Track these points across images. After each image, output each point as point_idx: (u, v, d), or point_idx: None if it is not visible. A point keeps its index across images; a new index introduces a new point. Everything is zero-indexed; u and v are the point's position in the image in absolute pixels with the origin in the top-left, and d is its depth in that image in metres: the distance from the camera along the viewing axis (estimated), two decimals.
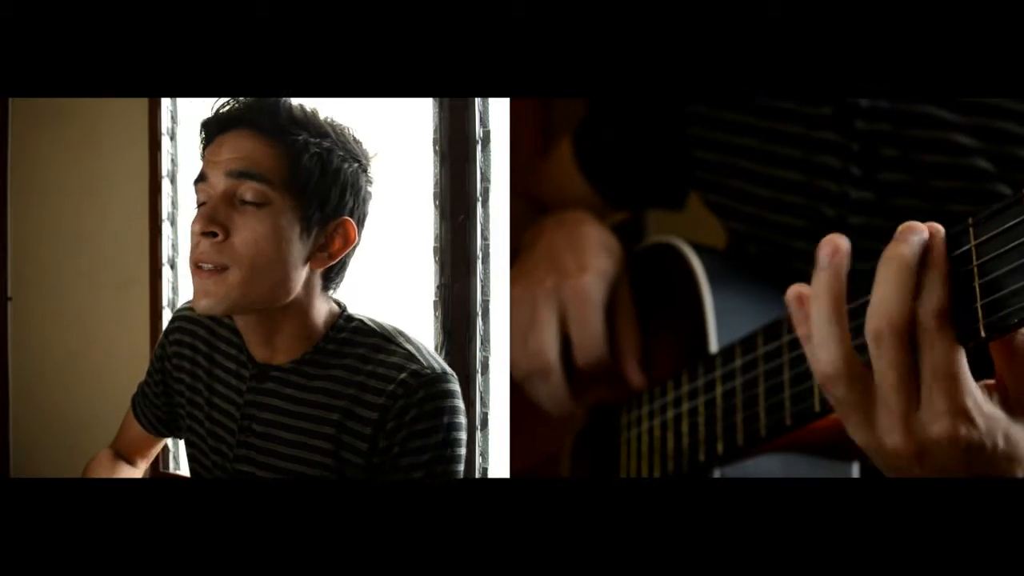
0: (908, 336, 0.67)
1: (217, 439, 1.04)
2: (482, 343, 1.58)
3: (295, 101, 0.97)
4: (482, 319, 1.58)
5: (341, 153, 0.97)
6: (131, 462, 1.23)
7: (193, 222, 0.93)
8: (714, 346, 0.91)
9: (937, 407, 0.66)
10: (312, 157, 0.94)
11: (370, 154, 1.02)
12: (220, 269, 0.92)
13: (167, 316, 2.01)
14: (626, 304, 1.01)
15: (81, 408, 2.18)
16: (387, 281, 1.71)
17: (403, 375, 0.94)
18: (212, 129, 0.96)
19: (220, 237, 0.91)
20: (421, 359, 0.96)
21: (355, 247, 1.00)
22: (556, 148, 1.24)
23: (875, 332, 0.68)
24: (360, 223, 1.01)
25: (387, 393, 0.94)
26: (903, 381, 0.68)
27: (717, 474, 0.89)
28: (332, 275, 1.01)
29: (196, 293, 0.94)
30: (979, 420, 0.67)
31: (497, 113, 1.57)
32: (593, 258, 1.00)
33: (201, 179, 0.95)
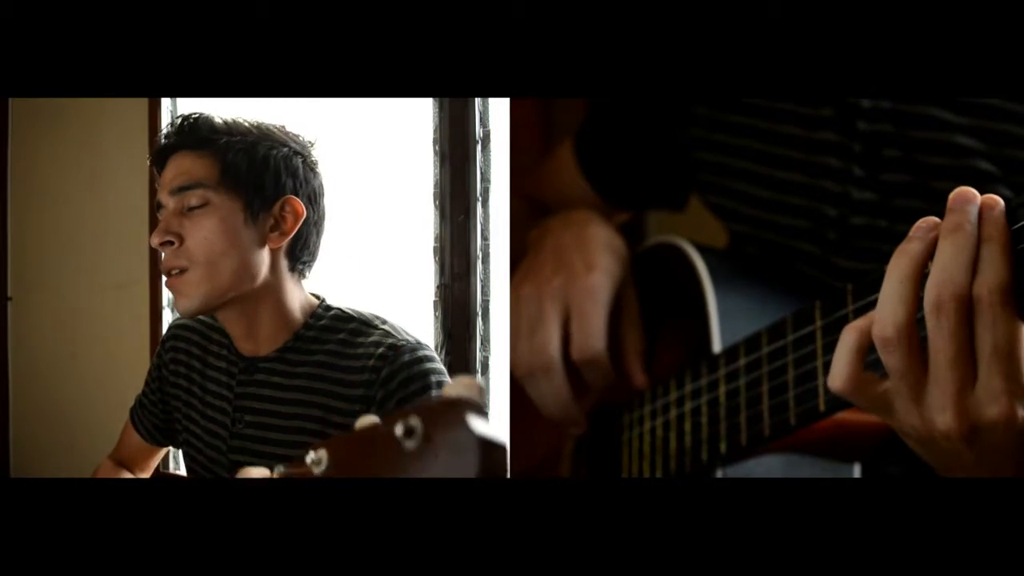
0: (968, 310, 0.65)
1: (212, 435, 1.10)
2: (482, 343, 1.58)
3: (215, 116, 1.07)
4: (482, 319, 1.58)
5: (267, 143, 1.06)
6: (132, 473, 1.27)
7: (151, 239, 1.03)
8: (717, 346, 0.91)
9: (995, 387, 0.64)
10: (237, 153, 1.04)
11: (307, 140, 1.11)
12: (182, 271, 1.02)
13: (167, 316, 2.01)
14: (631, 304, 1.01)
15: (81, 408, 2.18)
16: (387, 281, 1.71)
17: (380, 349, 1.02)
18: (157, 159, 1.08)
19: (176, 244, 1.02)
20: (396, 334, 1.04)
21: (312, 222, 1.08)
22: (557, 149, 1.24)
23: (935, 302, 0.65)
24: (312, 199, 1.08)
25: (369, 368, 1.01)
26: (960, 356, 0.65)
27: (719, 474, 0.89)
28: (297, 253, 1.07)
29: (174, 299, 1.05)
30: None
31: (497, 113, 1.57)
32: (600, 257, 1.00)
33: (158, 207, 1.06)
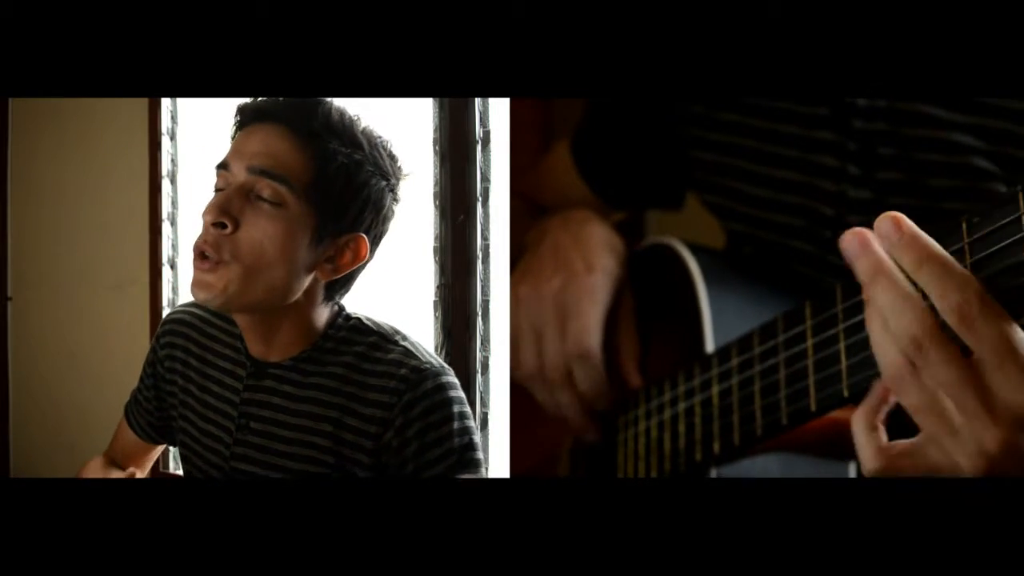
0: (945, 334, 0.63)
1: (212, 438, 1.03)
2: (482, 343, 1.58)
3: (337, 104, 0.95)
4: (482, 319, 1.58)
5: (371, 168, 0.95)
6: (124, 469, 1.21)
7: (205, 210, 0.91)
8: (710, 346, 0.91)
9: (1018, 381, 0.61)
10: (339, 168, 0.93)
11: (403, 173, 1.00)
12: (220, 262, 0.90)
13: None
14: (627, 305, 1.01)
15: (81, 408, 2.18)
16: (387, 281, 1.71)
17: (403, 371, 0.94)
18: (246, 116, 0.95)
19: (229, 229, 0.90)
20: (419, 355, 0.96)
21: (364, 264, 0.99)
22: (554, 149, 1.24)
23: (914, 345, 0.64)
24: (375, 241, 0.99)
25: (388, 390, 0.93)
26: (964, 374, 0.63)
27: (714, 474, 0.89)
28: (336, 287, 0.99)
29: (194, 284, 0.92)
30: None
31: (497, 113, 1.57)
32: (600, 257, 1.00)
33: (223, 166, 0.93)
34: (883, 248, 0.66)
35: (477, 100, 1.57)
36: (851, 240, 0.67)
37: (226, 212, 0.90)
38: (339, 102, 0.97)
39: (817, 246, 0.96)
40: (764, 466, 0.88)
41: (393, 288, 1.70)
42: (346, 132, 0.94)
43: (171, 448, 2.10)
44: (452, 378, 0.96)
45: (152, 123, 2.07)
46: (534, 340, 0.99)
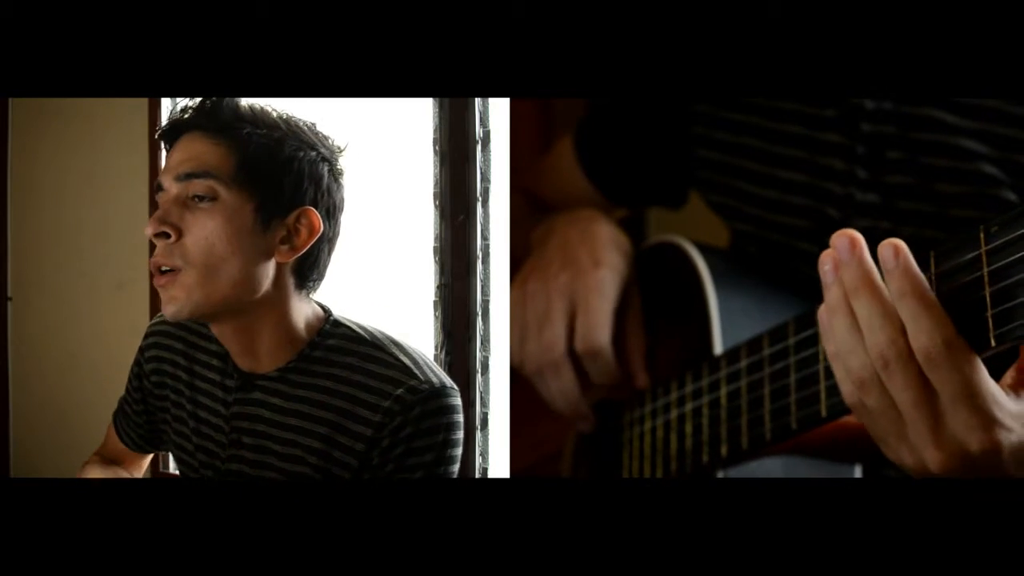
0: (911, 358, 0.66)
1: (207, 452, 1.02)
2: (482, 343, 1.58)
3: (243, 101, 0.96)
4: (482, 319, 1.58)
5: (294, 143, 0.95)
6: (122, 467, 1.20)
7: (146, 227, 0.92)
8: (718, 347, 0.91)
9: (968, 423, 0.65)
10: (258, 148, 0.93)
11: (338, 146, 1.00)
12: (175, 271, 0.91)
13: None
14: (634, 302, 1.01)
15: (81, 408, 2.18)
16: (387, 281, 1.71)
17: (400, 390, 0.91)
18: (166, 138, 0.96)
19: (173, 238, 0.90)
20: (419, 373, 0.93)
21: (327, 239, 0.97)
22: (557, 145, 1.24)
23: (880, 361, 0.67)
24: (329, 214, 0.97)
25: (383, 409, 0.91)
26: (922, 399, 0.66)
27: (720, 475, 0.89)
28: (305, 271, 0.97)
29: (162, 301, 0.93)
30: (1011, 422, 0.66)
31: (497, 113, 1.57)
32: (607, 254, 1.01)
33: (158, 188, 0.94)
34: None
35: (477, 100, 1.57)
36: (843, 241, 0.69)
37: (165, 222, 0.91)
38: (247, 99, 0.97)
39: (823, 248, 0.96)
40: (769, 467, 0.88)
41: (393, 288, 1.70)
42: (258, 117, 0.95)
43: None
44: (449, 399, 0.93)
45: (152, 123, 2.07)
46: (540, 334, 1.00)
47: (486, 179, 1.57)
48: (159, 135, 0.97)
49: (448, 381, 0.95)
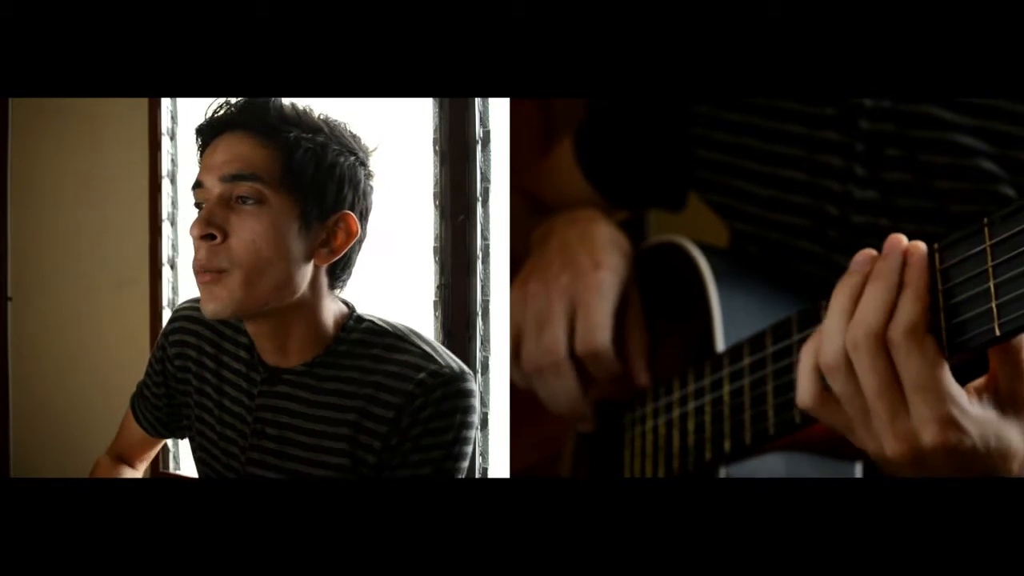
0: (884, 348, 0.70)
1: (228, 441, 1.03)
2: (482, 343, 1.58)
3: (286, 100, 0.97)
4: (482, 319, 1.58)
5: (336, 147, 0.97)
6: (131, 465, 1.22)
7: (191, 228, 0.93)
8: (720, 345, 0.91)
9: (922, 416, 0.69)
10: (305, 152, 0.94)
11: (369, 147, 1.02)
12: (221, 272, 0.92)
13: (167, 316, 2.00)
14: (635, 303, 1.01)
15: (81, 408, 2.18)
16: (387, 281, 1.71)
17: (421, 375, 0.94)
18: (206, 134, 0.97)
19: (218, 240, 0.92)
20: (439, 358, 0.96)
21: (359, 241, 1.00)
22: (557, 147, 1.24)
23: (853, 341, 0.71)
24: (363, 216, 1.00)
25: (405, 392, 0.93)
26: (884, 388, 0.70)
27: (722, 473, 0.89)
28: (338, 272, 1.00)
29: (202, 299, 0.94)
30: (967, 425, 0.69)
31: (497, 113, 1.57)
32: (607, 255, 1.01)
33: (198, 185, 0.95)
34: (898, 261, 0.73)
35: (477, 100, 1.57)
36: (897, 239, 0.73)
37: (211, 223, 0.91)
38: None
39: (823, 246, 0.96)
40: (771, 465, 0.88)
41: (393, 288, 1.70)
42: (303, 120, 0.96)
43: (170, 448, 2.10)
44: (468, 384, 0.95)
45: (152, 123, 2.07)
46: (540, 336, 1.00)
47: (486, 179, 1.57)
48: (198, 129, 0.97)
49: (465, 367, 0.97)
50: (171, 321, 1.11)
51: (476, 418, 0.96)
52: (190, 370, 1.08)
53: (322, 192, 0.95)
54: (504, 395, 1.55)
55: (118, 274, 2.15)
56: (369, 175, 1.01)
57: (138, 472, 1.24)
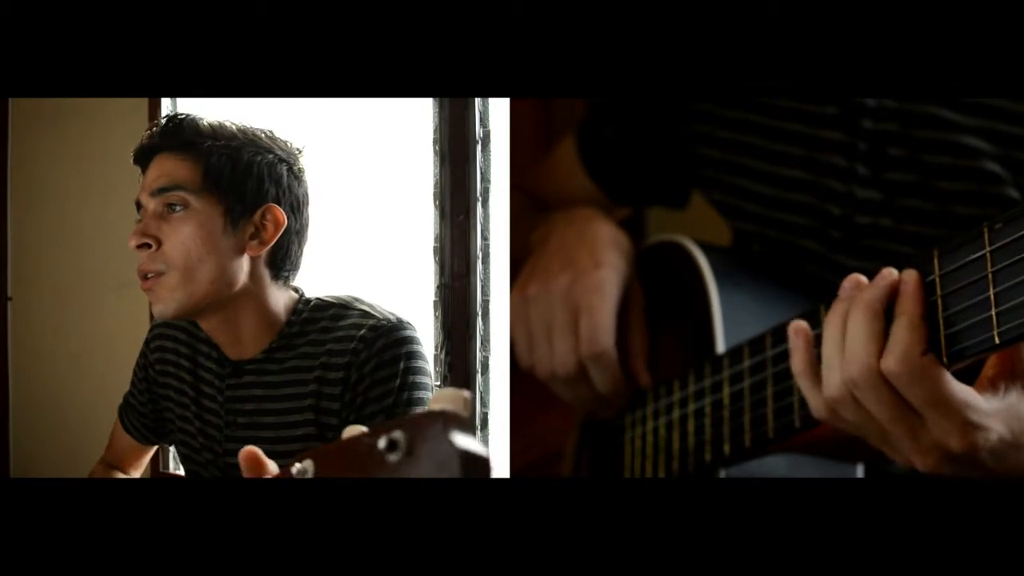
0: (884, 380, 0.70)
1: (207, 436, 1.10)
2: (482, 343, 1.58)
3: (201, 118, 1.06)
4: (482, 319, 1.58)
5: (252, 149, 1.05)
6: (124, 473, 1.27)
7: (129, 240, 1.05)
8: (721, 346, 0.91)
9: (943, 428, 0.69)
10: (220, 157, 1.03)
11: (295, 146, 1.10)
12: (158, 275, 1.02)
13: None
14: (636, 302, 1.01)
15: (81, 408, 2.18)
16: (387, 281, 1.71)
17: (362, 331, 1.02)
18: (139, 161, 1.09)
19: (153, 247, 1.03)
20: (376, 314, 1.04)
21: (294, 231, 1.07)
22: (559, 145, 1.24)
23: (850, 380, 0.71)
24: (294, 208, 1.07)
25: (350, 351, 1.01)
26: (897, 416, 0.70)
27: (722, 474, 0.89)
28: (278, 262, 1.06)
29: (151, 302, 1.04)
30: (989, 422, 0.69)
31: (497, 113, 1.57)
32: (607, 254, 1.00)
33: (137, 207, 1.07)
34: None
35: (477, 100, 1.57)
36: (888, 271, 0.73)
37: (146, 234, 1.04)
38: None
39: (825, 246, 0.96)
40: (772, 466, 0.88)
41: (393, 288, 1.70)
42: (217, 131, 1.05)
43: (170, 448, 2.10)
44: (408, 331, 1.03)
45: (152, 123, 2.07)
46: (547, 339, 0.99)
47: (486, 179, 1.57)
48: (134, 162, 1.10)
49: (405, 318, 1.05)
50: (151, 331, 1.20)
51: (423, 364, 1.03)
52: (170, 373, 1.15)
53: (241, 190, 1.03)
54: (504, 395, 1.55)
55: (118, 274, 2.15)
56: (296, 171, 1.09)
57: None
